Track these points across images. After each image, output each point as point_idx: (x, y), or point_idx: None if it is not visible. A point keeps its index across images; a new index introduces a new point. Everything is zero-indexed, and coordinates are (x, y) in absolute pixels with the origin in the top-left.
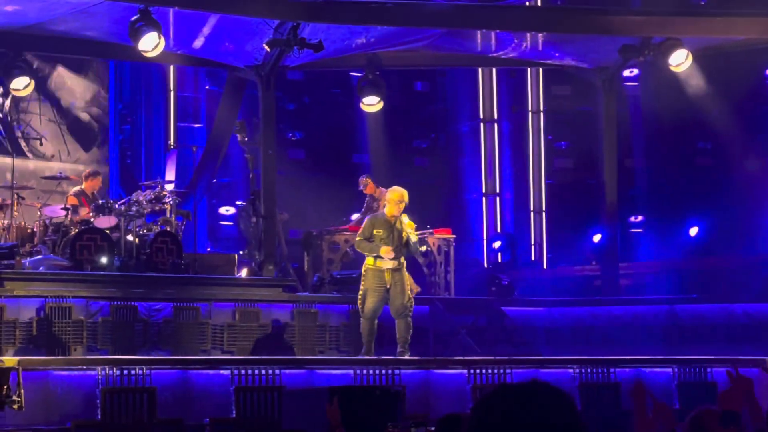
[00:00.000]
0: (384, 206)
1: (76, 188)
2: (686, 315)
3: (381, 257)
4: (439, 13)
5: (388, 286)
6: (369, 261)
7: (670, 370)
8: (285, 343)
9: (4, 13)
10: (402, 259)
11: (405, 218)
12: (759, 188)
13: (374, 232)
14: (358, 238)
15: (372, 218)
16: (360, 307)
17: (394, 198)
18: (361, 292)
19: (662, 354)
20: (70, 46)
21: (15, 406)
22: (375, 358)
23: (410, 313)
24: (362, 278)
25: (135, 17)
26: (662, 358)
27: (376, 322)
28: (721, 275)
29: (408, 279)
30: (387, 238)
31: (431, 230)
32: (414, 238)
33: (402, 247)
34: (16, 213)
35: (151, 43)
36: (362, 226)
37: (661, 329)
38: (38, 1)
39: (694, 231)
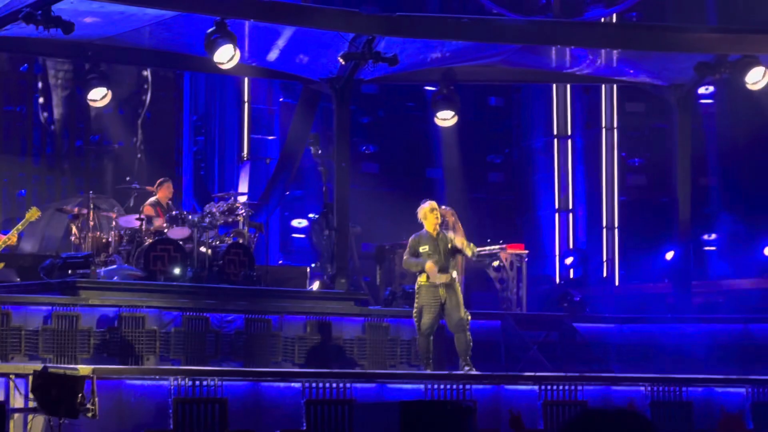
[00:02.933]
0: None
1: (152, 198)
2: (760, 334)
3: (426, 272)
4: (514, 28)
5: (442, 301)
6: (422, 278)
7: (743, 390)
8: (355, 356)
9: (83, 24)
10: (454, 274)
11: (452, 234)
12: None
13: (420, 249)
14: (405, 257)
15: (416, 236)
16: (416, 323)
17: (424, 214)
18: (416, 309)
19: (735, 374)
20: (147, 58)
21: (89, 415)
22: (446, 373)
23: (468, 327)
24: (416, 295)
25: (211, 29)
26: (735, 378)
27: (432, 338)
28: None
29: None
30: (433, 253)
31: (504, 245)
32: (461, 242)
33: (451, 259)
34: (91, 223)
35: (226, 55)
36: (408, 244)
37: (734, 348)
38: (116, 14)
39: (767, 250)
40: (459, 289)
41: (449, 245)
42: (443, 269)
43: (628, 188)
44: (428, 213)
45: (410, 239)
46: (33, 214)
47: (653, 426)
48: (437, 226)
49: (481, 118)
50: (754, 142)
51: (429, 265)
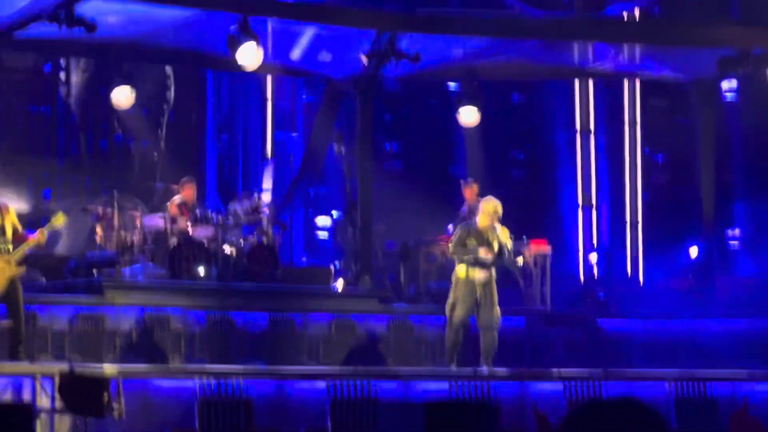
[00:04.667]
0: (478, 216)
1: (177, 198)
2: None
3: (477, 264)
4: (536, 25)
5: (477, 297)
6: (461, 272)
7: None
8: (380, 355)
9: (106, 24)
10: (493, 272)
11: (499, 227)
12: None
13: (467, 241)
14: (451, 246)
15: (465, 227)
16: (448, 315)
17: (488, 209)
18: (450, 301)
19: (760, 369)
20: (170, 57)
21: (115, 415)
22: (471, 370)
23: (498, 327)
24: (453, 287)
25: (233, 27)
26: (762, 373)
27: (462, 332)
28: None
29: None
30: (475, 245)
31: (527, 241)
32: (510, 247)
33: (495, 258)
34: (116, 222)
35: (249, 54)
36: (455, 234)
37: (759, 344)
38: (139, 13)
39: None
40: (495, 287)
41: (496, 243)
42: (485, 266)
43: (651, 184)
44: (491, 211)
45: (459, 228)
46: (59, 219)
47: (658, 414)
48: (490, 225)
49: (504, 114)
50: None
51: (485, 249)
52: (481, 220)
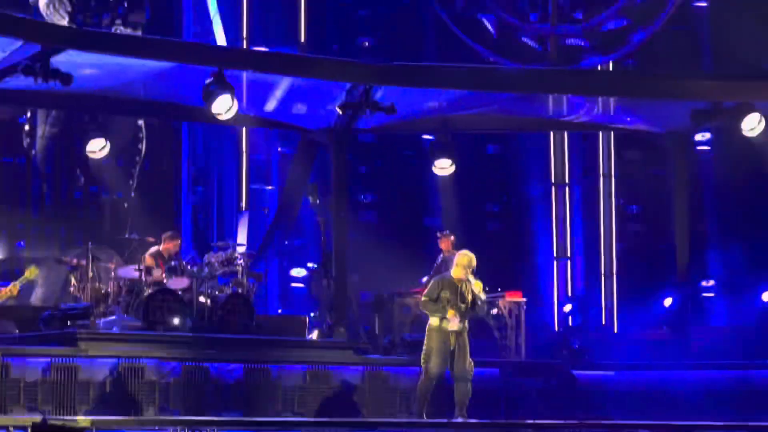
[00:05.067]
0: (452, 269)
1: (154, 249)
2: (760, 381)
3: (447, 319)
4: (511, 77)
5: (452, 348)
6: (434, 322)
7: None
8: (355, 405)
9: (82, 76)
10: (466, 323)
11: (472, 278)
12: None
13: (441, 293)
14: (424, 299)
15: (440, 279)
16: (423, 366)
17: (463, 262)
18: (424, 351)
19: (735, 420)
20: (145, 109)
21: None
22: (446, 421)
23: (471, 377)
24: (426, 338)
25: (209, 80)
26: (735, 425)
27: (434, 383)
28: None
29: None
30: (454, 300)
31: (502, 293)
32: (483, 297)
33: (468, 310)
34: (90, 273)
35: (224, 106)
36: (428, 286)
37: (733, 395)
38: (114, 65)
39: (766, 296)
40: (467, 338)
41: (469, 296)
42: (464, 314)
43: (626, 235)
44: (466, 264)
45: (433, 281)
46: (32, 272)
47: None
48: (464, 277)
49: (479, 166)
50: (751, 189)
51: (452, 312)
52: (455, 272)
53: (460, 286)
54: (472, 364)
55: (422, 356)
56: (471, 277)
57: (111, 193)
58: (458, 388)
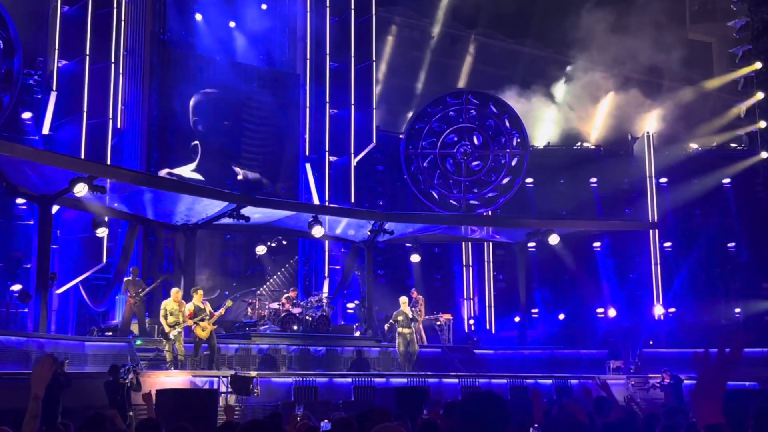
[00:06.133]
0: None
1: (286, 294)
2: (560, 356)
3: (404, 326)
4: (445, 218)
5: (408, 340)
6: (399, 329)
7: (551, 381)
8: (374, 367)
9: (254, 218)
10: (413, 327)
11: (408, 309)
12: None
13: (399, 318)
14: (392, 320)
15: (398, 311)
16: (398, 350)
17: (404, 301)
18: (397, 342)
19: (548, 373)
20: (282, 231)
21: (255, 393)
22: (415, 373)
23: (416, 354)
24: (397, 337)
25: (310, 219)
26: (548, 375)
27: (405, 356)
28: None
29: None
30: (404, 320)
31: (441, 314)
32: (410, 315)
33: (411, 324)
34: (257, 305)
35: (318, 231)
36: (396, 313)
37: (548, 362)
38: (269, 212)
39: (561, 316)
40: (414, 336)
41: (411, 317)
42: (408, 326)
43: (497, 288)
44: (405, 304)
45: (395, 313)
46: (228, 303)
47: (505, 402)
48: (407, 309)
49: (430, 257)
50: (555, 268)
51: (401, 330)
52: (402, 307)
53: (406, 312)
54: (417, 348)
55: (396, 344)
56: (407, 309)
57: (266, 269)
58: (411, 359)
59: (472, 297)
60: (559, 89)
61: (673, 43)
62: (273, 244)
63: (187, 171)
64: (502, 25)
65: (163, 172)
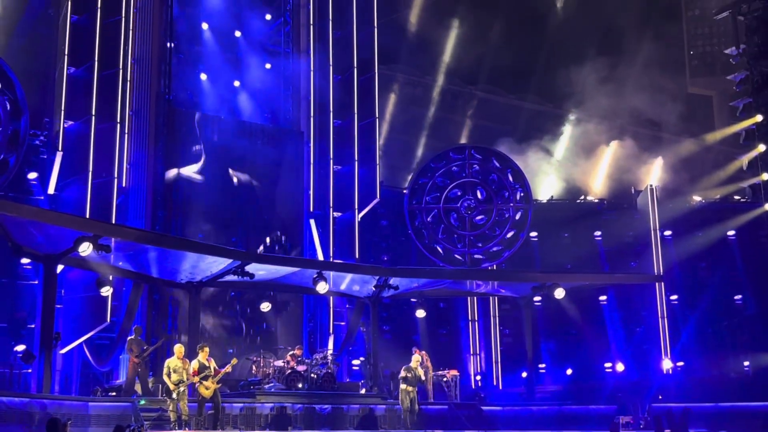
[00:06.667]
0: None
1: (291, 352)
2: (569, 412)
3: (407, 383)
4: (450, 272)
5: (411, 397)
6: (402, 386)
7: None
8: (380, 423)
9: (258, 275)
10: (416, 388)
11: (419, 368)
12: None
13: (407, 375)
14: (401, 375)
15: (406, 367)
16: (401, 405)
17: (416, 359)
18: (400, 398)
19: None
20: (287, 288)
21: None
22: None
23: (417, 412)
24: (401, 393)
25: (315, 275)
26: None
27: (407, 413)
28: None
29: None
30: (411, 377)
31: (448, 370)
32: (421, 375)
33: (416, 382)
34: (262, 364)
35: (323, 287)
36: (404, 369)
37: (556, 419)
38: (273, 269)
39: (569, 371)
40: (416, 394)
41: (421, 373)
42: (413, 384)
43: (504, 343)
44: (416, 361)
45: (403, 368)
46: (234, 361)
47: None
48: (420, 371)
49: (436, 313)
50: (561, 321)
51: (404, 386)
52: (413, 363)
53: (415, 369)
54: (418, 408)
55: (400, 401)
56: (418, 367)
57: (269, 326)
58: (411, 417)
59: (478, 352)
60: (561, 143)
61: (674, 96)
62: (278, 301)
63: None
64: (502, 81)
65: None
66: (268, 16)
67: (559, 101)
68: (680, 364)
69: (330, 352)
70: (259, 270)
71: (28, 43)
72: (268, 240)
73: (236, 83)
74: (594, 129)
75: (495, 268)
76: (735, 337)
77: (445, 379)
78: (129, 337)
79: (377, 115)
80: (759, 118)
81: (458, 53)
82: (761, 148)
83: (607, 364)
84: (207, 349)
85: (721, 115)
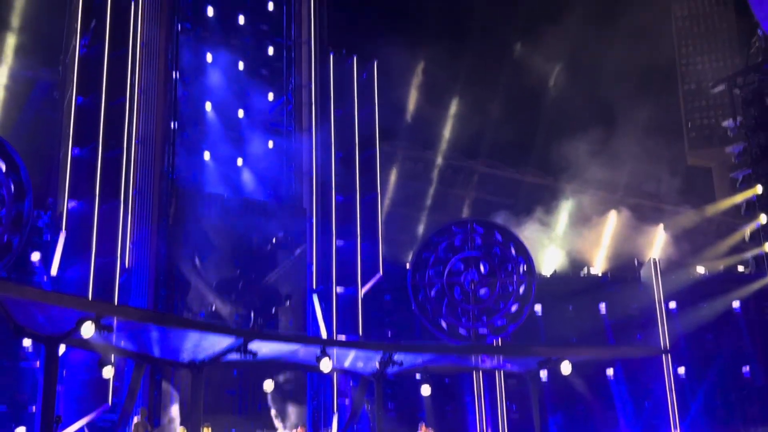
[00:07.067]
0: None
1: (299, 430)
2: None
3: None
4: (455, 348)
5: None
6: None
7: None
8: None
9: (261, 352)
10: None
11: None
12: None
13: None
14: None
15: None
16: None
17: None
18: None
19: None
20: (290, 365)
21: None
22: None
23: None
24: None
25: (319, 353)
26: None
27: None
28: None
29: None
30: None
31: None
32: None
33: None
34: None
35: (326, 365)
36: None
37: None
38: (275, 346)
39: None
40: None
41: None
42: None
43: (510, 419)
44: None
45: None
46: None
47: None
48: None
49: (442, 387)
50: (570, 398)
51: None
52: None
53: None
54: None
55: None
56: None
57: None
58: None
59: (485, 429)
60: (562, 216)
61: (673, 168)
62: (281, 380)
63: None
64: (503, 155)
65: None
66: (271, 96)
67: (559, 174)
68: None
69: (334, 430)
70: (262, 348)
71: (33, 125)
72: (272, 312)
73: (239, 161)
74: (593, 201)
75: (500, 342)
76: (744, 408)
77: None
78: (135, 420)
79: (379, 191)
80: (759, 189)
81: (458, 129)
82: (762, 219)
83: None
84: (209, 430)
85: (721, 186)
